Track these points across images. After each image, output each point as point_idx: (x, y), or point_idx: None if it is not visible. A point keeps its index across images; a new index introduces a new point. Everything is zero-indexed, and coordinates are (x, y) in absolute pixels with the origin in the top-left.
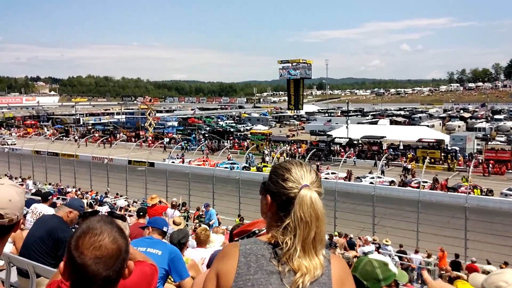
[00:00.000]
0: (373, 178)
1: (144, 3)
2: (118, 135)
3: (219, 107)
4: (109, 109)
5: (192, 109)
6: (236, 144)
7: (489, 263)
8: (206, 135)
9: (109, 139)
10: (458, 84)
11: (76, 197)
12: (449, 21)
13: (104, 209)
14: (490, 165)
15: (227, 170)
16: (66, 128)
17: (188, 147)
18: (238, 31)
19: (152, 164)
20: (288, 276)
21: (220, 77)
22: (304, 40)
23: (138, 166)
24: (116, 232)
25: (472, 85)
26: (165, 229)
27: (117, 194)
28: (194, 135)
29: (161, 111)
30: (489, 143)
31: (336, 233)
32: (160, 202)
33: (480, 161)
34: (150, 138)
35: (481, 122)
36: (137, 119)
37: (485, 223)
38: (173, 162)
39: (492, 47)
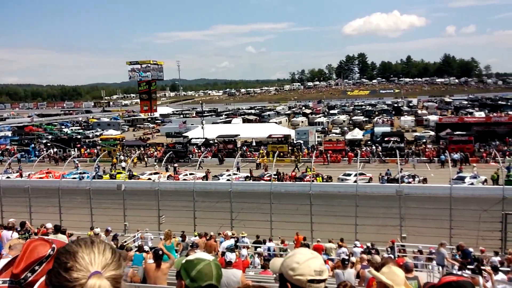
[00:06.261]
0: (229, 175)
1: None
2: None
3: (62, 112)
4: None
5: (29, 116)
6: (85, 152)
7: (330, 241)
8: (49, 144)
9: None
10: (299, 84)
11: None
12: (289, 26)
13: None
14: (329, 155)
15: (76, 181)
16: None
17: (26, 158)
18: (79, 30)
19: None
20: None
21: (61, 80)
22: (154, 41)
23: None
24: None
25: (310, 84)
26: None
27: None
28: (33, 145)
29: None
30: (327, 135)
31: (196, 233)
32: None
33: (321, 151)
34: None
35: (320, 117)
36: None
37: (327, 206)
38: (8, 177)
39: (325, 50)
